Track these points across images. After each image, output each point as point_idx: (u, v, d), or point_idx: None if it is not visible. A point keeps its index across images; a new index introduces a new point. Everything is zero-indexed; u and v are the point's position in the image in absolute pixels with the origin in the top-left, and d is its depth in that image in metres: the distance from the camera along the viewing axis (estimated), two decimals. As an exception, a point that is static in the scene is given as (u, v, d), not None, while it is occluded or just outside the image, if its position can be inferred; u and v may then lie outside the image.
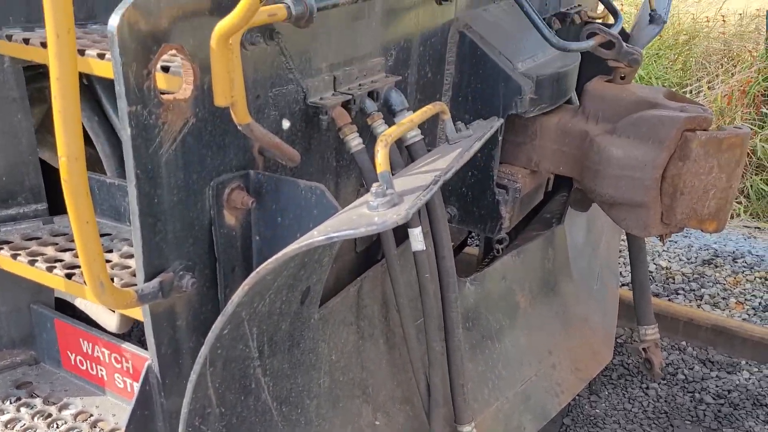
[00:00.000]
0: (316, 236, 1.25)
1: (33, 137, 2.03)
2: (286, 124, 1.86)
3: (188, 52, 1.50)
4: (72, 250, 1.90)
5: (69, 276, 1.77)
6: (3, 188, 2.01)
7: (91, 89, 2.25)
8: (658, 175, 2.47)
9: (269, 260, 1.30)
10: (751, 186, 5.79)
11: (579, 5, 3.70)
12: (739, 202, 5.77)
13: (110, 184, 2.03)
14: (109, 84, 2.07)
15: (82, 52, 1.69)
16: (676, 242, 5.12)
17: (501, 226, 2.77)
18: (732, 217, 5.66)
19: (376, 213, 1.29)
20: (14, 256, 1.85)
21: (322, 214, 1.66)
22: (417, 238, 2.08)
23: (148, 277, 1.57)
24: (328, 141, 2.05)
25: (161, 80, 1.51)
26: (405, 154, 2.10)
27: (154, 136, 1.49)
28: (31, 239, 1.95)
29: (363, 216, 1.29)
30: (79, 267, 1.80)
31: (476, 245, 4.24)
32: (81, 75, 1.53)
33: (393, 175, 1.61)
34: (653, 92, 2.65)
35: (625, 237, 3.44)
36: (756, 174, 5.86)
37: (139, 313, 1.67)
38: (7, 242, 1.91)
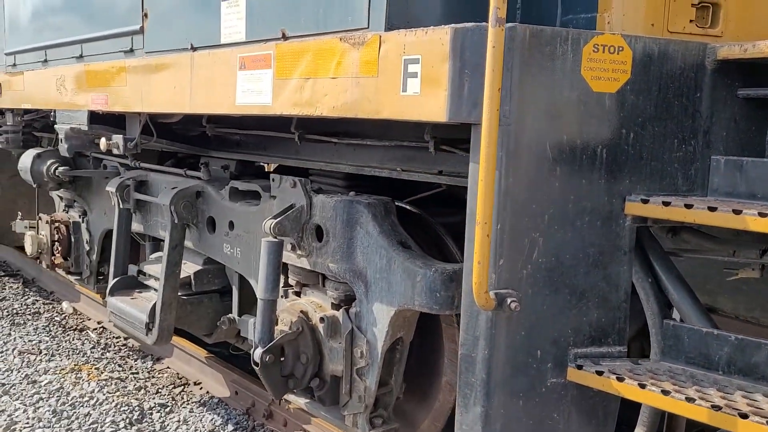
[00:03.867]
0: None
1: (629, 288, 2.32)
2: None
3: None
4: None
5: (716, 408, 1.91)
6: (600, 328, 2.29)
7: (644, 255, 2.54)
8: None
9: None
10: None
11: None
12: None
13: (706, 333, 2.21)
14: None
15: (738, 212, 2.00)
16: None
17: None
18: None
19: None
20: (641, 386, 2.06)
21: None
22: None
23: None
24: None
25: None
26: None
27: None
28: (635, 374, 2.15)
29: None
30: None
31: None
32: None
33: None
34: None
35: None
36: None
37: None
38: (615, 373, 2.13)
